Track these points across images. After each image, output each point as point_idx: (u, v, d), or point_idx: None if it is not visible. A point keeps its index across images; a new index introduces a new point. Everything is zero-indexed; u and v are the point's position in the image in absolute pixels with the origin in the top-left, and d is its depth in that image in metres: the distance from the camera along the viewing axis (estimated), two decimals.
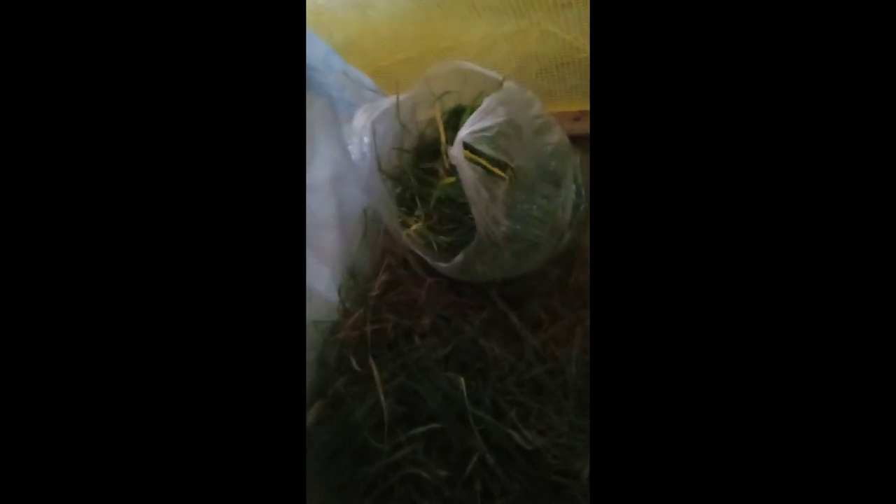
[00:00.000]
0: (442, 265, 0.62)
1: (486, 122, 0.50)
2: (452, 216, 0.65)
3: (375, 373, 0.60)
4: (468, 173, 0.51)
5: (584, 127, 0.69)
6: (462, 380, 0.60)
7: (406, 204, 0.66)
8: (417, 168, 0.65)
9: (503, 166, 0.56)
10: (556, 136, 0.58)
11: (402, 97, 0.62)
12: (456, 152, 0.50)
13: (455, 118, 0.64)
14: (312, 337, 0.63)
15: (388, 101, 0.62)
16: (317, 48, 0.62)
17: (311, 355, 0.62)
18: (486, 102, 0.51)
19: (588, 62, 0.65)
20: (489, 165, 0.56)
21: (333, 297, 0.65)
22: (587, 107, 0.71)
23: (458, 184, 0.55)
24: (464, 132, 0.50)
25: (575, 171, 0.64)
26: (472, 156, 0.56)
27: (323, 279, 0.63)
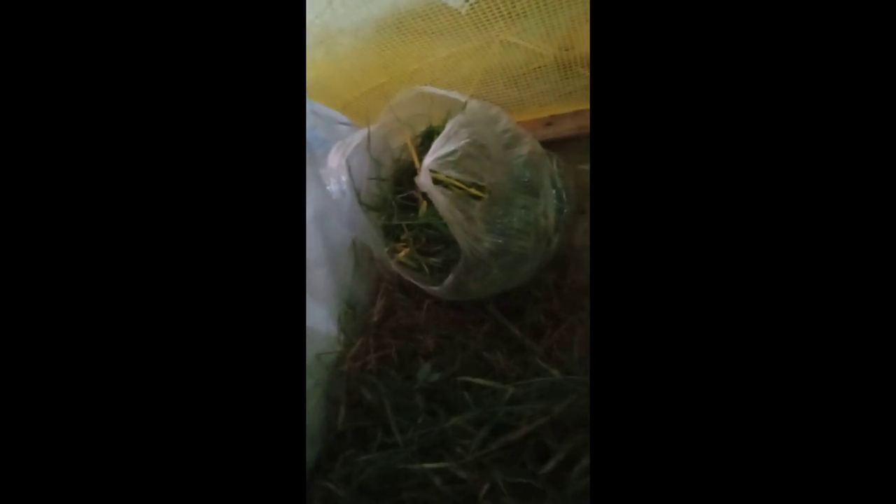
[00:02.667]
0: (434, 288, 0.63)
1: (450, 147, 0.50)
2: (439, 237, 0.65)
3: None
4: (440, 198, 0.51)
5: (556, 131, 0.69)
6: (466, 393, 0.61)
7: (392, 231, 0.66)
8: (398, 195, 0.66)
9: (478, 186, 0.56)
10: (527, 146, 0.58)
11: (372, 128, 0.63)
12: (424, 180, 0.51)
13: (428, 141, 0.64)
14: (318, 371, 0.64)
15: (359, 135, 0.62)
16: None
17: (318, 391, 0.63)
18: (448, 127, 0.52)
19: (552, 67, 0.65)
20: (464, 186, 0.56)
21: (333, 330, 0.66)
22: (558, 111, 0.71)
23: (434, 208, 0.55)
24: (428, 160, 0.50)
25: (553, 177, 0.64)
26: (447, 178, 0.56)
27: (320, 314, 0.65)
